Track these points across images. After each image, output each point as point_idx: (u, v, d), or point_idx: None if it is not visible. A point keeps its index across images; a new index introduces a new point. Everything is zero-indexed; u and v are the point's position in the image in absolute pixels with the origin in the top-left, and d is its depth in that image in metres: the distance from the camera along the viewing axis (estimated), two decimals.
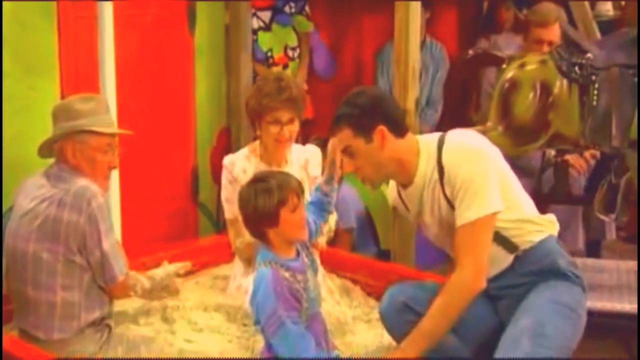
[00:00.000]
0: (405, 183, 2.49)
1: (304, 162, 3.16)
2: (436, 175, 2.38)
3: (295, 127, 3.03)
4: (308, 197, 2.94)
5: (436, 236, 2.52)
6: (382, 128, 2.38)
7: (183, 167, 4.08)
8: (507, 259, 2.43)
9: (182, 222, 4.07)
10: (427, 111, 4.62)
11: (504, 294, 2.45)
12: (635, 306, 3.18)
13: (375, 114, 2.39)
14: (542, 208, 3.60)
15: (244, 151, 3.19)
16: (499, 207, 2.32)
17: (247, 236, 2.91)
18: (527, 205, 2.46)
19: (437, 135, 2.46)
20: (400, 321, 2.46)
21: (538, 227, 2.44)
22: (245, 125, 3.97)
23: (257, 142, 3.15)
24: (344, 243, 4.07)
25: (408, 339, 2.36)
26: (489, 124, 3.44)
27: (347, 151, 2.44)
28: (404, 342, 2.37)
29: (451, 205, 2.37)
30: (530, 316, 2.28)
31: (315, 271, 2.49)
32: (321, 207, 2.57)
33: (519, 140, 3.38)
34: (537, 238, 2.42)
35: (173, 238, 3.86)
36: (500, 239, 2.40)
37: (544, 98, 3.28)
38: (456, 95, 4.23)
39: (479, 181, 2.30)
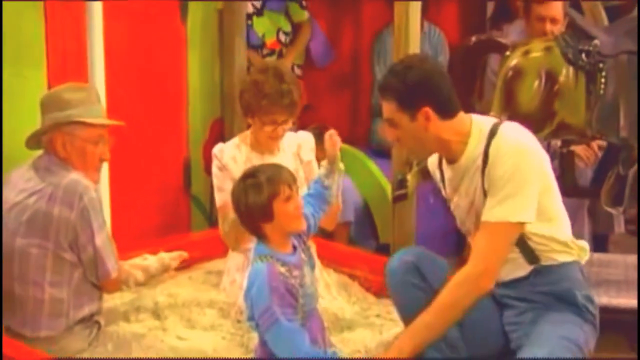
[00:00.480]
0: (449, 160, 2.48)
1: (296, 148, 3.17)
2: (480, 162, 2.37)
3: (289, 125, 3.04)
4: (303, 185, 2.96)
5: (462, 221, 2.52)
6: (427, 110, 2.36)
7: (175, 159, 4.07)
8: (524, 267, 2.43)
9: (174, 216, 4.07)
10: None
11: (514, 305, 2.45)
12: None
13: (423, 94, 2.36)
14: None
15: (234, 140, 3.19)
16: (530, 218, 2.31)
17: (231, 216, 2.92)
18: (564, 225, 2.44)
19: (491, 120, 2.45)
20: (405, 282, 2.44)
21: (567, 249, 2.43)
22: (239, 115, 3.92)
23: (249, 131, 3.15)
24: (342, 237, 4.07)
25: (406, 332, 2.37)
26: (492, 113, 3.39)
27: (390, 122, 2.43)
28: (401, 336, 2.38)
29: (486, 196, 2.37)
30: (543, 348, 2.30)
31: (312, 267, 2.50)
32: (321, 200, 2.58)
33: None
34: (561, 258, 2.41)
35: (164, 232, 3.86)
36: (523, 246, 2.40)
37: (549, 86, 3.27)
38: (458, 84, 4.22)
39: (519, 183, 2.29)
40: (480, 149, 2.38)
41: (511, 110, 3.36)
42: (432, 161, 2.61)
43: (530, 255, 2.41)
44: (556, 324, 2.36)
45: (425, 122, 2.37)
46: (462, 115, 2.43)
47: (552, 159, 3.84)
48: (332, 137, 2.58)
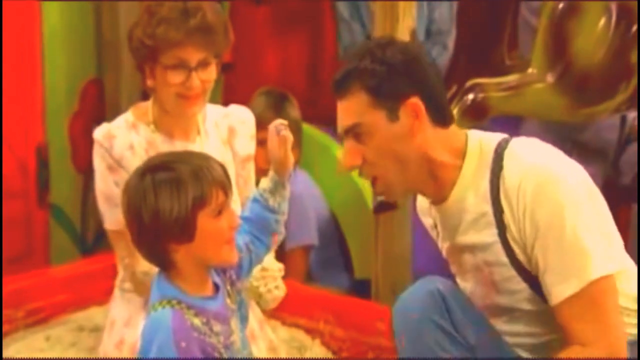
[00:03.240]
0: (434, 199, 2.52)
1: (226, 132, 3.13)
2: (487, 207, 2.42)
3: (211, 74, 2.98)
4: (236, 199, 2.89)
5: (471, 293, 2.55)
6: (415, 101, 2.40)
7: (22, 145, 4.05)
8: None
9: (22, 239, 4.04)
10: (430, 48, 4.64)
11: None
12: None
13: (411, 78, 2.41)
14: (620, 210, 3.59)
15: (126, 117, 3.13)
16: (618, 265, 2.38)
17: None
18: (632, 270, 2.48)
19: (494, 136, 2.49)
20: (426, 321, 2.45)
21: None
22: (126, 74, 3.95)
23: (149, 103, 3.13)
24: (297, 269, 4.06)
25: None
26: (532, 71, 3.47)
27: (353, 131, 2.45)
28: None
29: (516, 267, 2.41)
30: None
31: (245, 319, 2.49)
32: (262, 228, 2.57)
33: (581, 98, 3.42)
34: (631, 330, 2.45)
35: (7, 265, 3.81)
36: None
37: (624, 28, 3.33)
38: (477, 25, 4.24)
39: (577, 230, 2.34)
40: (481, 183, 2.43)
41: (562, 67, 3.40)
42: (422, 202, 2.63)
43: None
44: None
45: (411, 123, 2.41)
46: (454, 129, 2.49)
47: (629, 142, 3.92)
48: (279, 130, 2.55)
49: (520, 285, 2.40)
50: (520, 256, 2.38)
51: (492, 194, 2.39)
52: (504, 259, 2.40)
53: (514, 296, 2.42)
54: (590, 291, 2.33)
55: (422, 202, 2.62)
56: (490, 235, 2.40)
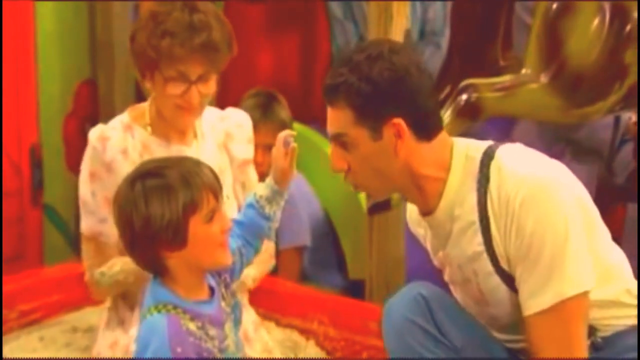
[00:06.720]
0: (421, 210, 2.52)
1: (222, 136, 3.10)
2: (474, 217, 2.42)
3: (211, 87, 2.94)
4: (232, 203, 2.93)
5: (464, 302, 2.56)
6: (398, 122, 2.40)
7: (16, 146, 4.05)
8: None
9: (14, 239, 4.05)
10: (423, 48, 4.64)
11: None
12: None
13: (395, 99, 2.41)
14: (615, 209, 3.59)
15: (122, 119, 3.10)
16: (590, 284, 2.37)
17: (120, 262, 2.85)
18: (623, 270, 2.50)
19: (481, 145, 2.48)
20: (408, 322, 2.49)
21: (632, 303, 2.47)
22: (121, 76, 3.95)
23: (146, 105, 3.11)
24: (291, 270, 4.07)
25: None
26: (526, 71, 3.46)
27: (339, 139, 2.46)
28: None
29: (502, 276, 2.43)
30: None
31: (238, 321, 2.48)
32: (254, 233, 2.57)
33: (575, 98, 3.41)
34: (626, 322, 2.47)
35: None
36: None
37: (617, 27, 3.32)
38: (471, 25, 4.23)
39: (557, 242, 2.35)
40: (467, 194, 2.43)
41: (556, 67, 3.39)
42: (412, 212, 2.62)
43: None
44: None
45: (394, 142, 2.42)
46: (443, 137, 2.48)
47: (623, 142, 3.92)
48: (288, 142, 2.56)
49: (506, 294, 2.41)
50: (505, 265, 2.39)
51: (479, 205, 2.40)
52: (490, 268, 2.40)
53: (503, 305, 2.43)
54: (561, 309, 2.35)
55: (412, 212, 2.62)
56: (477, 244, 2.41)
